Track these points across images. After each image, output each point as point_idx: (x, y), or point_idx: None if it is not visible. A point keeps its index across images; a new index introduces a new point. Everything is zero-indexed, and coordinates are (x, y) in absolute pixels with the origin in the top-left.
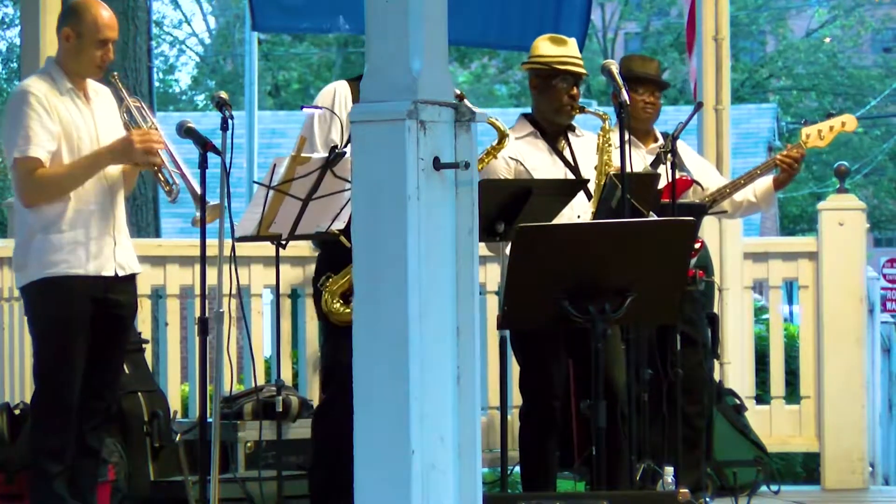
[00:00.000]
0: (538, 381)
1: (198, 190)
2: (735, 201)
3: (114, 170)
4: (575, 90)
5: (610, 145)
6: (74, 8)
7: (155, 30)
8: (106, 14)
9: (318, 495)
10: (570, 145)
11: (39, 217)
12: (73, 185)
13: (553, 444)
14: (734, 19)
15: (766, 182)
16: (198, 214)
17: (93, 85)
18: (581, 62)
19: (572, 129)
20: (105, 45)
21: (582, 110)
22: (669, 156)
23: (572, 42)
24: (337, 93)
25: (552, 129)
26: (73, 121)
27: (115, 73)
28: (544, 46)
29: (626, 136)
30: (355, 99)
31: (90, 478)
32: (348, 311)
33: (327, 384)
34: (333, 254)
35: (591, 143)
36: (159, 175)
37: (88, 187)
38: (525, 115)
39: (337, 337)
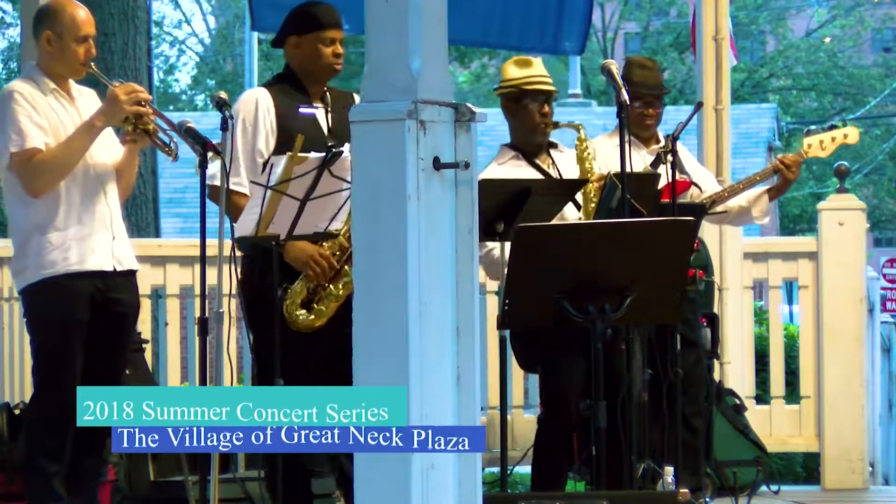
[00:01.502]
0: (562, 387)
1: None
2: (727, 205)
3: (103, 161)
4: (546, 108)
5: (588, 154)
6: (49, 10)
7: (155, 30)
8: (81, 11)
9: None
10: (553, 162)
11: (33, 219)
12: (73, 158)
13: (568, 449)
14: (734, 19)
15: (759, 189)
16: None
17: (75, 86)
18: (549, 80)
19: (554, 146)
20: (86, 40)
21: (555, 126)
22: (669, 156)
23: (538, 62)
24: (259, 101)
25: (532, 150)
26: (60, 118)
27: (93, 63)
28: (511, 70)
29: (627, 137)
30: (277, 105)
31: (93, 478)
32: (311, 317)
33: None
34: (261, 258)
35: (573, 158)
36: (156, 139)
37: (78, 181)
38: (505, 145)
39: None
